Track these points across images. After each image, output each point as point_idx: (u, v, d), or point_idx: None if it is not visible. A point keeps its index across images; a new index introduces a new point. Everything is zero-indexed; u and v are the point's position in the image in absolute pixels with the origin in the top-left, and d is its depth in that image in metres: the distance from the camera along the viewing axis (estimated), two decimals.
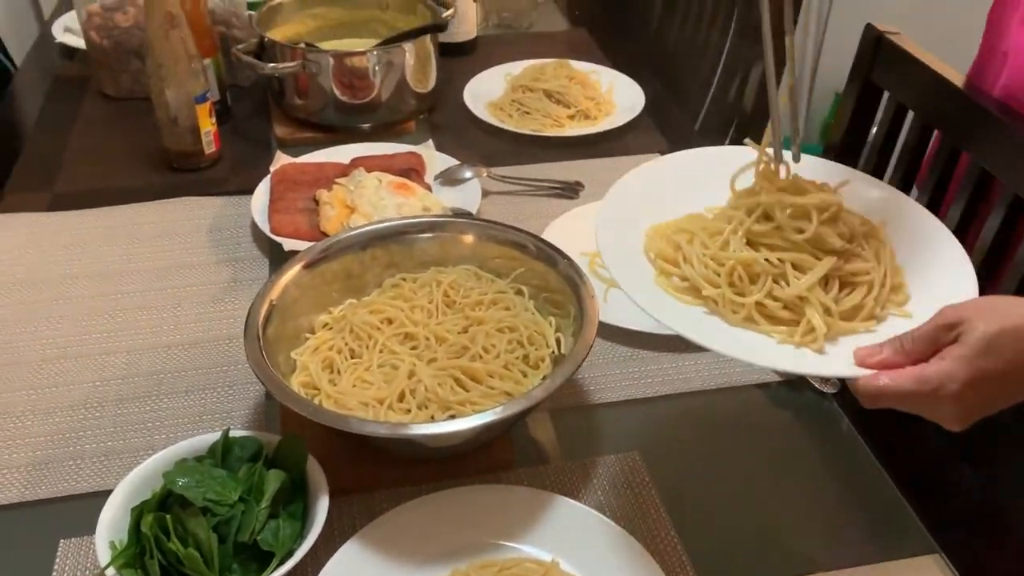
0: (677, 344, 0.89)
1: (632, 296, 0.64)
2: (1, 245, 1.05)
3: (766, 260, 0.65)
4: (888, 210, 0.73)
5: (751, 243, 0.67)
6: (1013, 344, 0.54)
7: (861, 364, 0.59)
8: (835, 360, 0.61)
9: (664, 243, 0.70)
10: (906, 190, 1.14)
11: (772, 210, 0.67)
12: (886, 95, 1.14)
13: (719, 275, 0.66)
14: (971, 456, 0.79)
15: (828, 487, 0.77)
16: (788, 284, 0.65)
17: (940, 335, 0.57)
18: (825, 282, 0.65)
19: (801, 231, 0.66)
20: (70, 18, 1.52)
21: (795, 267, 0.65)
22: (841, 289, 0.66)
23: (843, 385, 0.84)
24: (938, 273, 0.68)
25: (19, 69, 1.61)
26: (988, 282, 1.02)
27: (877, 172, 1.17)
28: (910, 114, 1.11)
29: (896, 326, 0.64)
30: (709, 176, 0.74)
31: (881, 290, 0.66)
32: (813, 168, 0.75)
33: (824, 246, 0.66)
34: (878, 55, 1.12)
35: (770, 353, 0.62)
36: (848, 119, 1.19)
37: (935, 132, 1.08)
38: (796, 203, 0.66)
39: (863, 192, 0.74)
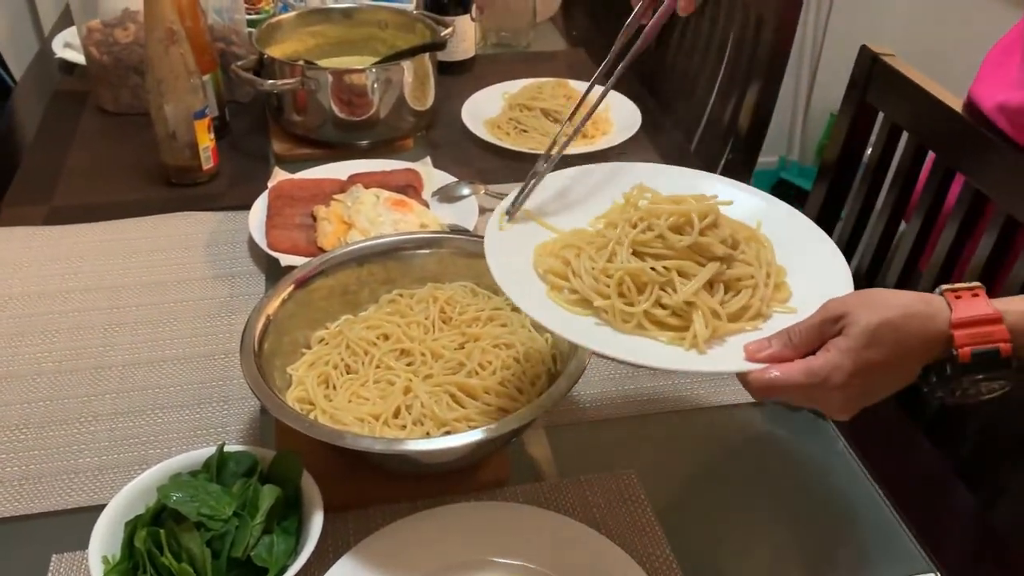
0: None
1: (525, 309, 0.65)
2: None
3: (652, 269, 0.66)
4: (762, 212, 0.76)
5: (637, 253, 0.68)
6: (894, 334, 0.57)
7: (751, 359, 0.61)
8: (726, 357, 0.63)
9: (553, 259, 0.71)
10: (900, 210, 1.15)
11: (653, 219, 0.68)
12: (881, 116, 1.15)
13: (608, 286, 0.67)
14: (968, 475, 0.79)
15: (825, 506, 0.77)
16: (676, 291, 0.66)
17: (825, 328, 0.59)
18: (711, 287, 0.67)
19: (683, 238, 0.67)
20: (70, 34, 1.53)
21: (681, 274, 0.67)
22: (726, 292, 0.67)
23: None
24: (815, 269, 0.71)
25: (18, 84, 1.62)
26: None
27: (872, 192, 1.18)
28: (905, 135, 1.12)
29: (782, 322, 0.65)
30: (589, 193, 0.77)
31: (765, 290, 0.68)
32: (682, 176, 0.80)
33: (707, 253, 0.67)
34: (873, 76, 1.13)
35: (661, 355, 0.63)
36: (843, 139, 1.19)
37: (929, 153, 1.09)
38: (677, 211, 0.68)
39: (736, 198, 0.76)
